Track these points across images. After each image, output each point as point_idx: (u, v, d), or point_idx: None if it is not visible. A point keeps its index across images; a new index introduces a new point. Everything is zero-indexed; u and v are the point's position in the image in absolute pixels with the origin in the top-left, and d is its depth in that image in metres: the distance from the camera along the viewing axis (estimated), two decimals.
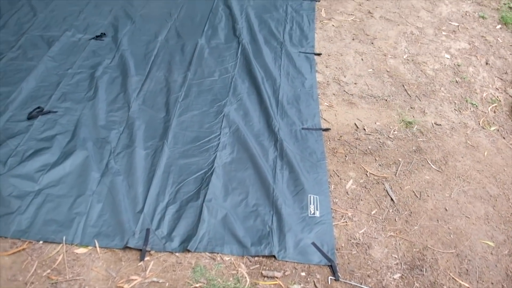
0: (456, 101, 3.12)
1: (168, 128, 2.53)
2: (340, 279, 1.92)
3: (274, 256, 1.97)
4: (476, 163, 2.63)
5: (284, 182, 2.29)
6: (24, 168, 2.22)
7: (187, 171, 2.31)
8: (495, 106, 3.19)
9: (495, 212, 2.35)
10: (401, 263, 2.03)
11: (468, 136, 2.84)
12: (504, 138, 2.96)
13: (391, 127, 2.79)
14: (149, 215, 2.08)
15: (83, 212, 2.07)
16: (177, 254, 1.95)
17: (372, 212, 2.25)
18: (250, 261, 1.96)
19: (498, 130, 3.00)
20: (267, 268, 1.93)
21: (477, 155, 2.70)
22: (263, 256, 1.97)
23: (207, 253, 1.96)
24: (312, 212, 2.16)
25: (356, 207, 2.26)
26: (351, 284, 1.92)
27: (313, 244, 2.02)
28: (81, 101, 2.70)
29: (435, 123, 2.89)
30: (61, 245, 1.95)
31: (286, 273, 1.92)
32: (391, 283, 1.95)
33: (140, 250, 1.94)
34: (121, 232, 2.00)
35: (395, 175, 2.47)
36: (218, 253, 1.97)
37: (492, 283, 2.02)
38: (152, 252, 1.96)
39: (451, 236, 2.18)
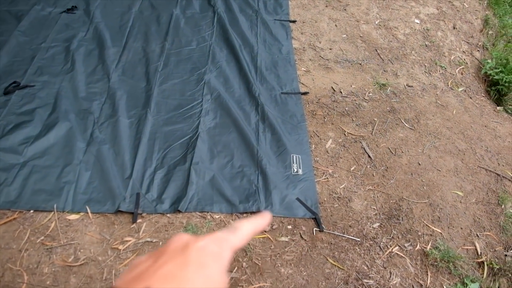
0: (426, 64, 3.26)
1: (150, 97, 2.55)
2: (324, 230, 2.05)
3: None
4: (445, 121, 2.79)
5: (267, 144, 2.38)
6: (6, 142, 2.21)
7: (172, 137, 2.35)
8: (462, 68, 3.35)
9: (464, 165, 2.52)
10: (379, 214, 2.18)
11: (438, 96, 2.99)
12: (470, 97, 3.13)
13: (366, 90, 2.90)
14: (138, 180, 2.12)
15: (72, 180, 2.09)
16: (168, 215, 2.02)
17: (351, 169, 2.37)
18: (239, 218, 2.05)
19: (465, 91, 3.17)
20: None
21: (447, 114, 2.85)
22: (251, 213, 2.06)
23: (198, 213, 2.04)
24: (295, 170, 2.26)
25: (336, 165, 2.37)
26: (335, 234, 2.05)
27: (298, 199, 2.13)
28: (58, 74, 2.66)
29: (407, 85, 3.02)
30: (53, 212, 1.98)
31: (274, 227, 2.03)
32: (371, 231, 2.10)
33: (132, 213, 2.00)
34: (112, 198, 2.05)
35: (371, 133, 2.60)
36: (208, 212, 2.05)
37: (461, 228, 2.20)
38: (144, 214, 2.01)
39: (424, 187, 2.34)
